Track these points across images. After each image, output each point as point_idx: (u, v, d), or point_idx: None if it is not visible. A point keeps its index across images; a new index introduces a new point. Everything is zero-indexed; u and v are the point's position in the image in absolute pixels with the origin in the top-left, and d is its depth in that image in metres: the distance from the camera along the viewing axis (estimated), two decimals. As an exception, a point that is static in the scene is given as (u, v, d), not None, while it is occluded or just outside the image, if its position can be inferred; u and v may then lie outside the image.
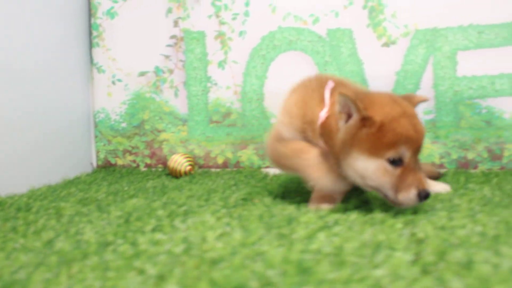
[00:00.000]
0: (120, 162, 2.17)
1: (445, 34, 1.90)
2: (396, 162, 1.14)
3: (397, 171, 1.14)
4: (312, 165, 1.25)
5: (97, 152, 2.18)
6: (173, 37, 2.09)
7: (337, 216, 1.17)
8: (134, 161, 2.16)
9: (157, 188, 1.66)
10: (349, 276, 0.76)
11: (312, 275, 0.77)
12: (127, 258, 0.89)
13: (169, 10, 2.08)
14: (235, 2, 2.03)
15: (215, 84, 2.07)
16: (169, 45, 2.10)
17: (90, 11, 2.14)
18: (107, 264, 0.86)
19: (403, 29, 1.92)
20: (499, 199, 1.34)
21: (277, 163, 1.38)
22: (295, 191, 1.55)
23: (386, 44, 1.94)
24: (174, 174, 1.94)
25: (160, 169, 2.11)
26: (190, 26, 2.08)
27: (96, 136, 2.18)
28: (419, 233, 1.00)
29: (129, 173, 2.05)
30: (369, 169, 1.15)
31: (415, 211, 1.20)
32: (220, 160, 2.08)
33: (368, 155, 1.15)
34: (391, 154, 1.14)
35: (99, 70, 2.15)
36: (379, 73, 1.93)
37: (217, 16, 2.05)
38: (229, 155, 2.07)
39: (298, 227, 1.07)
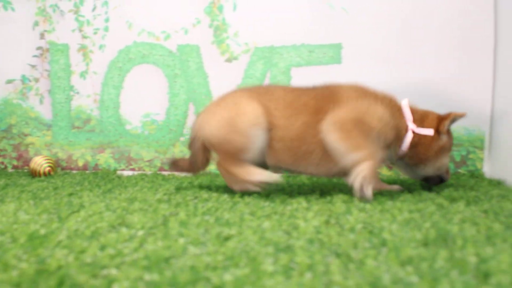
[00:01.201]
0: (-11, 164, 2.32)
1: (281, 51, 2.14)
2: None
3: None
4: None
5: (-32, 154, 2.32)
6: (39, 48, 2.26)
7: (124, 204, 1.37)
8: (2, 163, 2.31)
9: (2, 186, 1.81)
10: (68, 243, 0.96)
11: (37, 240, 0.97)
12: None
13: (36, 23, 2.25)
14: (96, 18, 2.22)
15: (77, 92, 2.25)
16: (35, 56, 2.27)
17: (-38, 22, 2.29)
18: None
19: (244, 46, 2.16)
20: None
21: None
22: (124, 187, 1.75)
23: (229, 60, 2.17)
24: (34, 174, 2.10)
25: (26, 170, 2.26)
26: (55, 39, 2.25)
27: (-34, 139, 2.31)
28: (181, 214, 1.22)
29: (-5, 174, 2.19)
30: (447, 162, 1.62)
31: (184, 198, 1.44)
32: (80, 163, 2.26)
33: (448, 153, 1.59)
34: None
35: (-31, 77, 2.29)
36: (223, 86, 2.14)
37: (80, 30, 2.24)
38: (89, 158, 2.25)
39: (79, 213, 1.27)
